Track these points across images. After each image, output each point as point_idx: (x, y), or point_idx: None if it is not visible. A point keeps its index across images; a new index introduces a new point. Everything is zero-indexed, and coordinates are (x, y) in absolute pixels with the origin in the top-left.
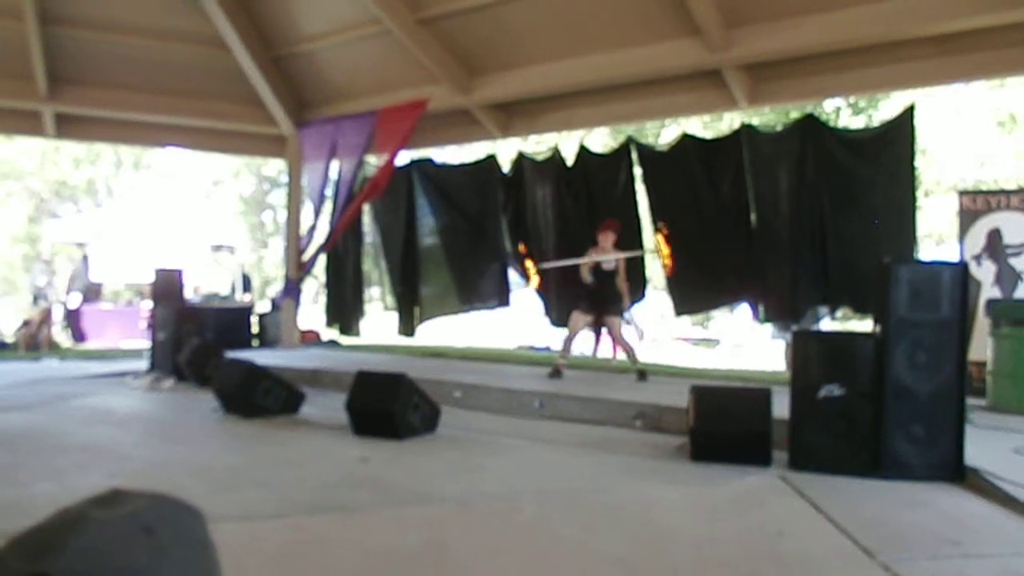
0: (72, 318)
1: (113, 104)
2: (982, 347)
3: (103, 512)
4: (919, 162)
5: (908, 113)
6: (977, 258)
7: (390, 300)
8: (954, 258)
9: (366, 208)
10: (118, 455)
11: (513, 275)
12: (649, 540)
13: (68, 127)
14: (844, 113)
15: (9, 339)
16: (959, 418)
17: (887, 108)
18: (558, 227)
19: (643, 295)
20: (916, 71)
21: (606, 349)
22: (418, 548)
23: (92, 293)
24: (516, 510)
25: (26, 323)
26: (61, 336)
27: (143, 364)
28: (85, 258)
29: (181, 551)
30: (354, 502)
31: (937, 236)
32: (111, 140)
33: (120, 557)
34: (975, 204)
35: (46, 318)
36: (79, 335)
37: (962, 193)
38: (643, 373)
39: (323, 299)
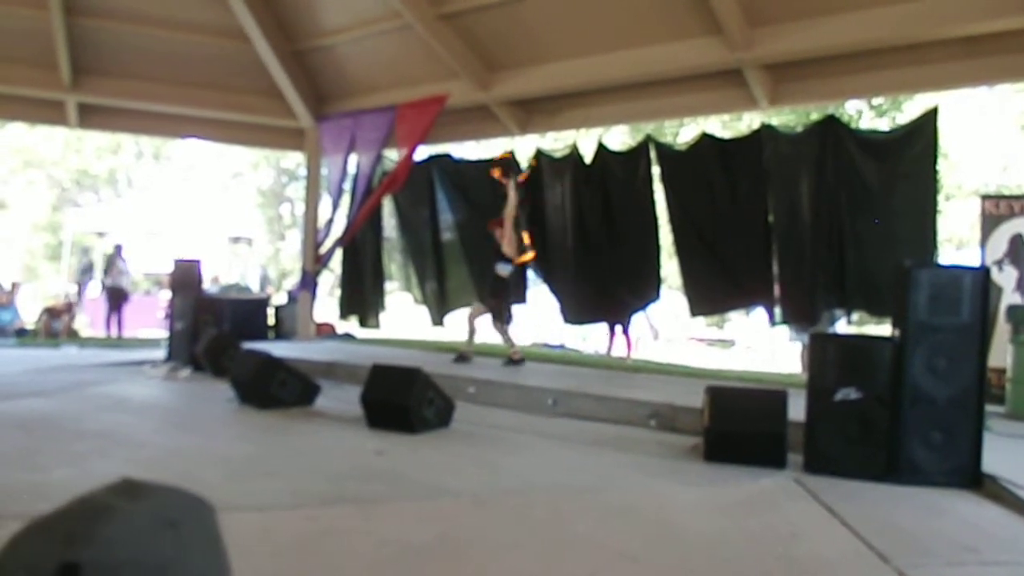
0: (114, 308)
1: (135, 95)
2: (1002, 353)
3: (128, 504)
4: (941, 165)
5: (931, 116)
6: (999, 263)
7: (417, 293)
8: (975, 263)
9: (386, 202)
10: (135, 442)
11: (529, 272)
12: (661, 539)
13: (90, 117)
14: (867, 115)
15: (30, 326)
16: (977, 424)
17: (910, 110)
18: (575, 224)
19: (657, 295)
20: (940, 73)
21: (620, 347)
22: (431, 541)
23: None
24: (529, 506)
25: (48, 310)
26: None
27: (160, 353)
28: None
29: (202, 546)
30: (368, 494)
31: (958, 240)
32: (132, 130)
33: (148, 551)
34: (998, 209)
35: (68, 307)
36: (120, 325)
37: (984, 197)
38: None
39: (339, 292)
